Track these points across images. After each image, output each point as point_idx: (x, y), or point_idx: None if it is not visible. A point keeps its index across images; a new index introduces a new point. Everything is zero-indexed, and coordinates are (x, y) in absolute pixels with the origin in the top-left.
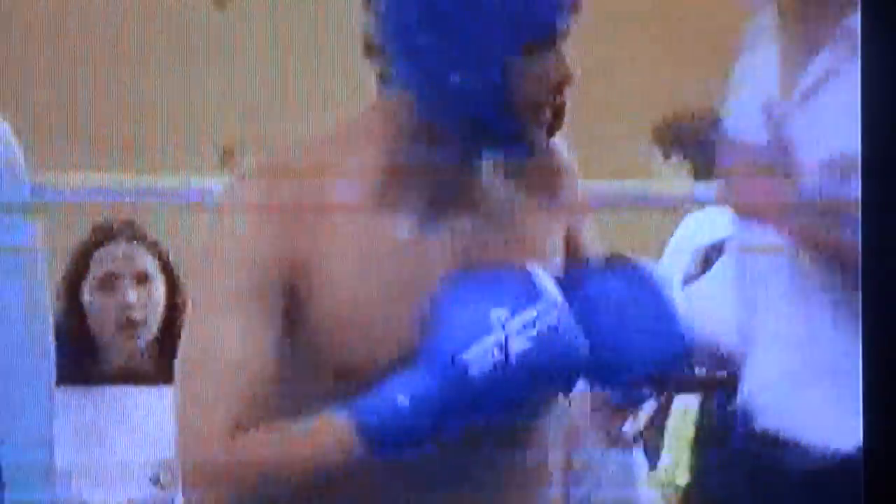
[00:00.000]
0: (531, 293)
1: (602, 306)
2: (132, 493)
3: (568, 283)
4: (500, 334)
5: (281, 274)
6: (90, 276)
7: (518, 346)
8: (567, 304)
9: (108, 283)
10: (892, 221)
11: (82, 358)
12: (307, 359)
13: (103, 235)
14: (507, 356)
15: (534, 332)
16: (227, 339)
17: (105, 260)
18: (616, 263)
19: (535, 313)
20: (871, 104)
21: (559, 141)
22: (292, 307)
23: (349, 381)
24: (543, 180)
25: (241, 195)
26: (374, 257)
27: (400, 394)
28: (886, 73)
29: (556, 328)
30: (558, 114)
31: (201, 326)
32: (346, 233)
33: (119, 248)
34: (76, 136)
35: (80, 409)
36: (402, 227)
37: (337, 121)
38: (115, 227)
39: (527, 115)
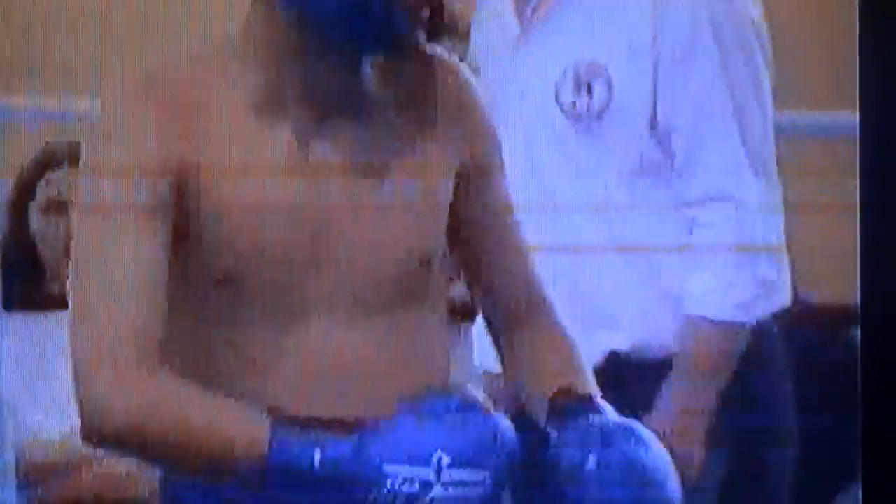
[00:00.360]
0: (484, 450)
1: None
2: (77, 420)
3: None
4: (430, 474)
5: (169, 173)
6: (37, 201)
7: (438, 494)
8: (515, 473)
9: (55, 207)
10: (892, 220)
11: (29, 283)
12: (198, 270)
13: (50, 159)
14: (421, 496)
15: (458, 491)
16: (121, 247)
17: (52, 184)
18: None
19: (476, 478)
20: (869, 104)
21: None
22: (181, 211)
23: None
24: (437, 97)
25: (125, 103)
26: (260, 164)
27: (318, 450)
28: (883, 71)
29: (483, 496)
30: (437, 12)
31: (92, 238)
32: (230, 140)
33: (66, 173)
34: (20, 59)
35: (25, 335)
36: (285, 135)
37: (214, 33)
38: (61, 151)
39: (404, 14)
